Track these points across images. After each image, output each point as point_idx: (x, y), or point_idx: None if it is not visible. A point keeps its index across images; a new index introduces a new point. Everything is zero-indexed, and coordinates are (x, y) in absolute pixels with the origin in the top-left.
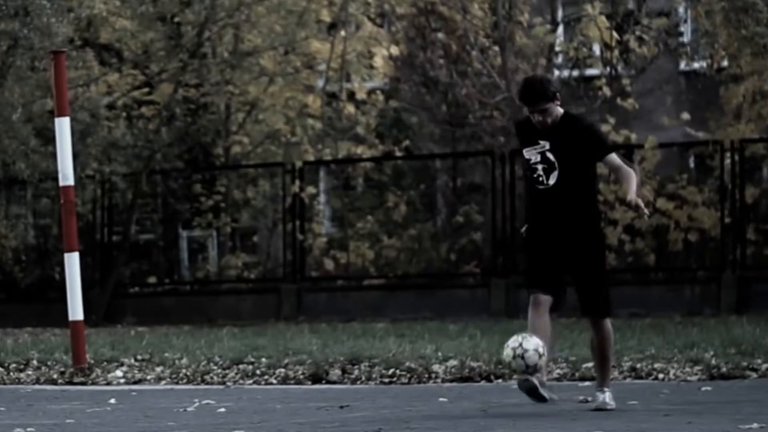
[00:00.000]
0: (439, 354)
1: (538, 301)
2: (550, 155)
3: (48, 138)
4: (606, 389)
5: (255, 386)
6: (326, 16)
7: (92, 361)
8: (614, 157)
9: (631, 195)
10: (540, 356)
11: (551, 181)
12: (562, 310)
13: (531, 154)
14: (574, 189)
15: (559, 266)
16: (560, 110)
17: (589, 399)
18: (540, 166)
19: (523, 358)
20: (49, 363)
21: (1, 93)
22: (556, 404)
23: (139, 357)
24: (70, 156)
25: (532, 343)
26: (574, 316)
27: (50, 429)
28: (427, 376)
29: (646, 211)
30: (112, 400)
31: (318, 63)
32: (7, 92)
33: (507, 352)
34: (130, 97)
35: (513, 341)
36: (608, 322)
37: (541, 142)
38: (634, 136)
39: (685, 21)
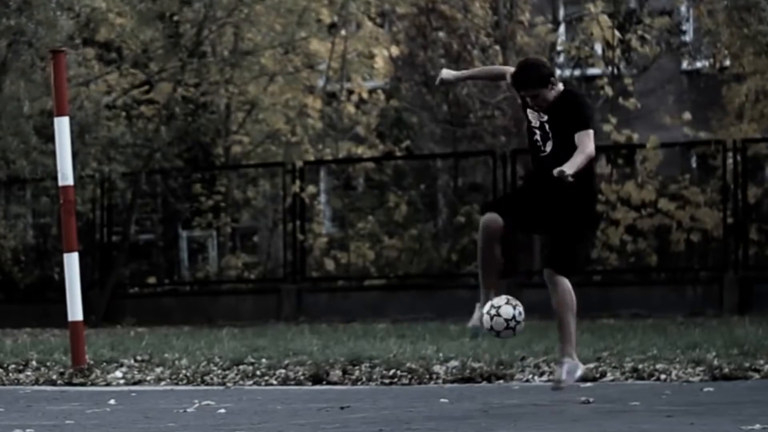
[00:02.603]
0: (440, 355)
1: (487, 225)
2: (546, 126)
3: (48, 136)
4: (566, 360)
5: (255, 387)
6: (326, 16)
7: (92, 362)
8: (583, 135)
9: (565, 167)
10: (513, 307)
11: (547, 149)
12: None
13: (533, 117)
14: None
15: (534, 212)
16: (560, 87)
17: (591, 400)
18: (538, 132)
19: (498, 315)
20: (48, 364)
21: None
22: (555, 403)
23: (138, 358)
24: (69, 155)
25: (501, 300)
26: None
27: (49, 430)
28: (428, 376)
29: (566, 173)
30: (112, 401)
31: (318, 63)
32: (13, 86)
33: (485, 319)
34: (130, 96)
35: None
36: (566, 281)
37: (542, 113)
38: (636, 136)
39: (688, 20)
